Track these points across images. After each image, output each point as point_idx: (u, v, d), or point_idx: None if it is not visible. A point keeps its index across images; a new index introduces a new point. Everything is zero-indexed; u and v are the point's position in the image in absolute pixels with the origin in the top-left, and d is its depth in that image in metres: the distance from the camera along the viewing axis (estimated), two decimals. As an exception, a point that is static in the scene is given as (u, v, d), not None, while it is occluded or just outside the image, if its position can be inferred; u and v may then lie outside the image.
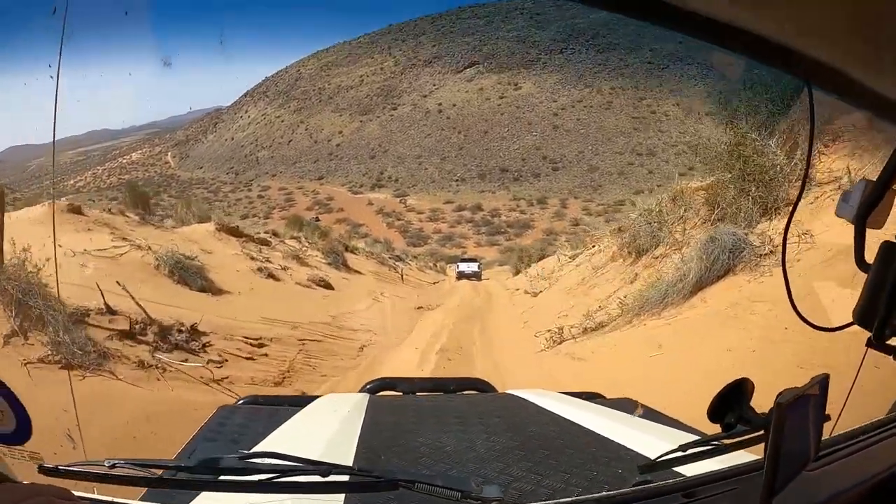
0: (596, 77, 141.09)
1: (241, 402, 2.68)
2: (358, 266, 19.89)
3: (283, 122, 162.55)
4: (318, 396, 2.51)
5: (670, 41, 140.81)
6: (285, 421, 1.85)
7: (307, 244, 18.84)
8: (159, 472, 1.12)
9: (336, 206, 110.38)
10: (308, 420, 1.93)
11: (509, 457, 1.49)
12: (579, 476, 1.42)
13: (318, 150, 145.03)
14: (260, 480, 1.07)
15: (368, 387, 2.81)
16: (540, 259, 24.70)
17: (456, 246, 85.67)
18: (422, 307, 15.59)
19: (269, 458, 1.08)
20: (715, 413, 0.99)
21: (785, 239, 1.54)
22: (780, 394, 0.84)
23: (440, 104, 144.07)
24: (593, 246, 18.89)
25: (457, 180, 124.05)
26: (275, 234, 19.24)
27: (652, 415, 2.18)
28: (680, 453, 1.12)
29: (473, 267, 38.87)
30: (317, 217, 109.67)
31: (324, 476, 1.08)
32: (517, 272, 27.32)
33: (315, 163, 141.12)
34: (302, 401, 2.38)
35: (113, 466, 1.05)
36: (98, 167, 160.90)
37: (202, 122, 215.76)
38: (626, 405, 2.42)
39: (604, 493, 1.17)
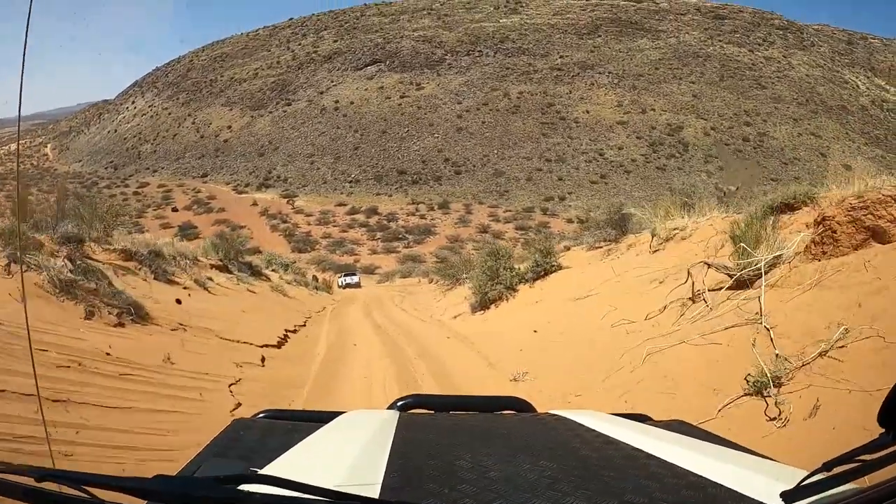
0: (503, 81, 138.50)
1: (259, 415, 2.42)
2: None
3: (170, 114, 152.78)
4: (342, 412, 2.27)
5: (581, 49, 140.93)
6: (305, 437, 1.74)
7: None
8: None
9: (217, 205, 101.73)
10: (330, 437, 1.78)
11: (564, 484, 1.31)
12: None
13: (205, 145, 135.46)
14: None
15: (399, 404, 2.55)
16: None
17: (347, 252, 79.39)
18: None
19: (267, 483, 0.92)
20: (888, 416, 0.78)
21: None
22: None
23: (337, 101, 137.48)
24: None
25: (351, 181, 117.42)
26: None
27: (706, 436, 2.04)
28: (824, 474, 0.90)
29: (354, 279, 49.65)
30: (174, 208, 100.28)
31: None
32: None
33: (200, 159, 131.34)
34: (324, 416, 2.16)
35: (42, 479, 0.90)
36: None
37: (87, 112, 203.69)
38: (678, 427, 2.27)
39: None
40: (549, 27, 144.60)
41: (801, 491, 0.88)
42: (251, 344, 9.93)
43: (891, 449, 0.81)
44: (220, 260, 19.94)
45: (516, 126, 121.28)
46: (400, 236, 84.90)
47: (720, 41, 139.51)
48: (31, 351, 5.30)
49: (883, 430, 0.79)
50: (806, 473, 0.92)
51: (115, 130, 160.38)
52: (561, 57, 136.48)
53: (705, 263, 7.86)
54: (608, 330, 8.56)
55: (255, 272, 23.94)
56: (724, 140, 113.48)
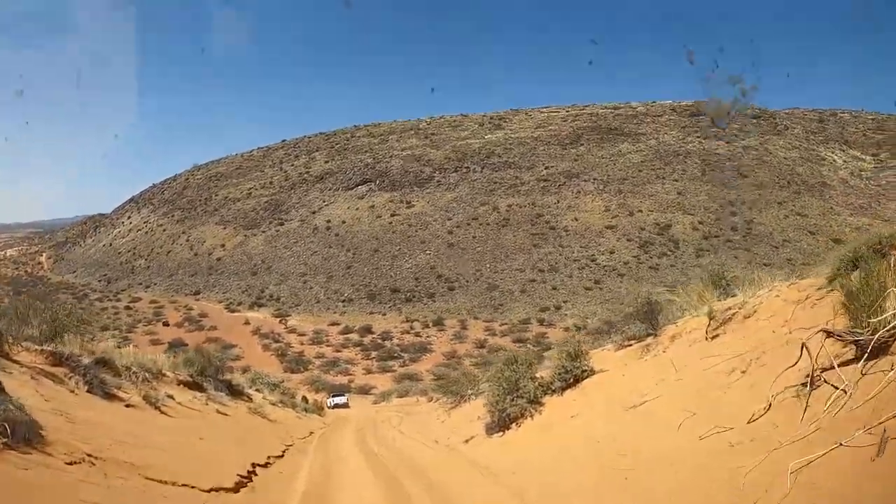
0: (492, 195, 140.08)
1: None
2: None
3: (164, 231, 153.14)
4: None
5: (565, 159, 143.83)
6: None
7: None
8: None
9: (209, 323, 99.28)
10: None
11: None
12: None
13: (198, 262, 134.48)
14: None
15: None
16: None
17: (342, 372, 76.33)
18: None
19: None
20: None
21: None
22: None
23: (329, 221, 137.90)
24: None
25: (344, 300, 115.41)
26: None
27: None
28: None
29: (343, 399, 49.98)
30: (165, 323, 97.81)
31: None
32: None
33: (193, 276, 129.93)
34: None
35: None
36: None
37: (84, 224, 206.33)
38: None
39: None
40: (533, 140, 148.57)
41: None
42: (193, 487, 6.91)
43: None
44: (192, 376, 17.52)
45: (507, 239, 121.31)
46: (395, 355, 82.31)
47: (698, 137, 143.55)
48: None
49: None
50: None
51: (111, 244, 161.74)
52: (546, 168, 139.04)
53: (825, 332, 5.63)
54: (697, 445, 6.20)
55: (235, 391, 21.34)
56: (714, 232, 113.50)
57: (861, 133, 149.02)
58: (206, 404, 14.70)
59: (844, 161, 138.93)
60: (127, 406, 9.83)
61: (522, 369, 14.00)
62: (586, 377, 12.75)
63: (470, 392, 22.60)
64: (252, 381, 30.63)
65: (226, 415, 14.93)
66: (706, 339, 9.48)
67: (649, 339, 12.28)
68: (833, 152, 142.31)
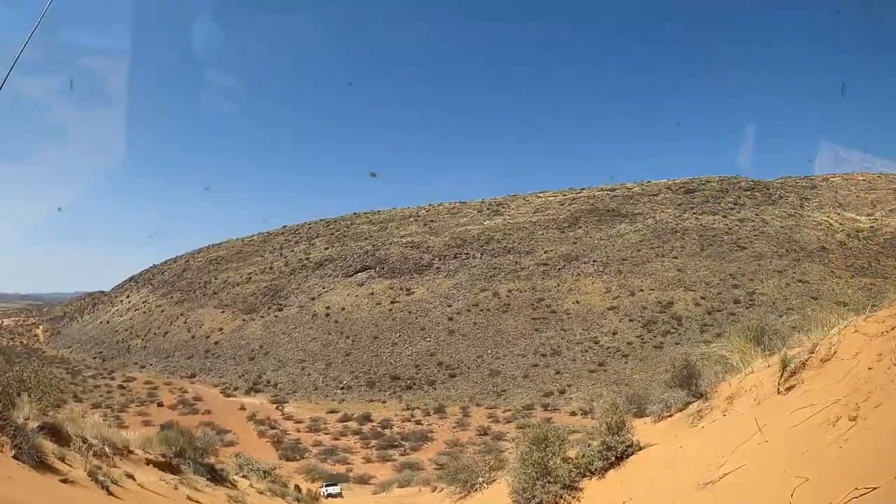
0: (492, 280, 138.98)
1: None
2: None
3: (162, 311, 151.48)
4: None
5: (564, 242, 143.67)
6: None
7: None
8: None
9: (203, 407, 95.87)
10: None
11: None
12: None
13: (195, 345, 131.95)
14: None
15: None
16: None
17: (340, 461, 72.45)
18: None
19: None
20: None
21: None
22: None
23: (328, 307, 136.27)
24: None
25: (343, 388, 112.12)
26: None
27: None
28: None
29: (336, 489, 48.05)
30: (160, 403, 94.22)
31: None
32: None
33: (189, 359, 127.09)
34: None
35: None
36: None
37: (82, 301, 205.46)
38: None
39: None
40: (532, 224, 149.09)
41: None
42: None
43: None
44: (166, 456, 15.45)
45: (508, 324, 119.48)
46: (395, 443, 78.98)
47: (694, 213, 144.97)
48: None
49: None
50: None
51: (108, 322, 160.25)
52: (546, 252, 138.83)
53: None
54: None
55: (218, 477, 19.10)
56: (716, 307, 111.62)
57: (854, 195, 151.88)
58: (176, 489, 12.53)
59: (840, 223, 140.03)
60: (63, 481, 7.91)
61: (554, 447, 11.96)
62: (631, 454, 10.68)
63: (481, 480, 20.41)
64: (240, 467, 27.82)
65: (198, 502, 12.76)
66: (778, 392, 7.77)
67: (696, 405, 10.46)
68: (828, 216, 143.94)
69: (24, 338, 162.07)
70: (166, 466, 14.48)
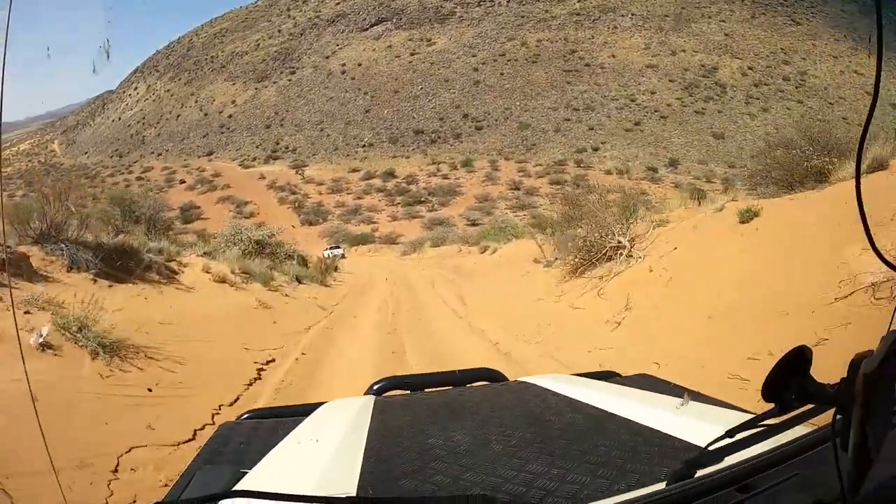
0: (519, 30, 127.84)
1: (243, 416, 2.49)
2: None
3: (172, 95, 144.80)
4: (322, 403, 2.35)
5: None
6: (288, 433, 1.81)
7: None
8: None
9: (222, 182, 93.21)
10: (310, 430, 1.83)
11: (527, 451, 1.39)
12: (608, 468, 1.28)
13: (209, 123, 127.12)
14: None
15: (374, 388, 2.67)
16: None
17: (364, 221, 69.93)
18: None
19: (245, 497, 0.97)
20: (772, 389, 0.80)
21: (858, 164, 1.23)
22: (857, 359, 0.71)
23: (344, 65, 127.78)
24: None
25: (364, 146, 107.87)
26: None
27: (671, 389, 2.08)
28: (728, 440, 0.93)
29: (338, 252, 46.78)
30: (182, 181, 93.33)
31: None
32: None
33: (204, 137, 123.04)
34: (306, 409, 2.24)
35: None
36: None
37: (92, 105, 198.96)
38: (643, 381, 2.34)
39: (640, 493, 1.00)
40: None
41: (703, 456, 0.95)
42: None
43: (777, 420, 0.88)
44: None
45: (538, 76, 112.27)
46: (422, 199, 76.71)
47: None
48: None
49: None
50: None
51: (119, 118, 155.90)
52: (579, 1, 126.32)
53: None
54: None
55: (164, 267, 12.68)
56: (764, 80, 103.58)
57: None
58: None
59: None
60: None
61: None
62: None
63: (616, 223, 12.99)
64: (204, 241, 22.13)
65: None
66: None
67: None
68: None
69: (41, 156, 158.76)
70: None
